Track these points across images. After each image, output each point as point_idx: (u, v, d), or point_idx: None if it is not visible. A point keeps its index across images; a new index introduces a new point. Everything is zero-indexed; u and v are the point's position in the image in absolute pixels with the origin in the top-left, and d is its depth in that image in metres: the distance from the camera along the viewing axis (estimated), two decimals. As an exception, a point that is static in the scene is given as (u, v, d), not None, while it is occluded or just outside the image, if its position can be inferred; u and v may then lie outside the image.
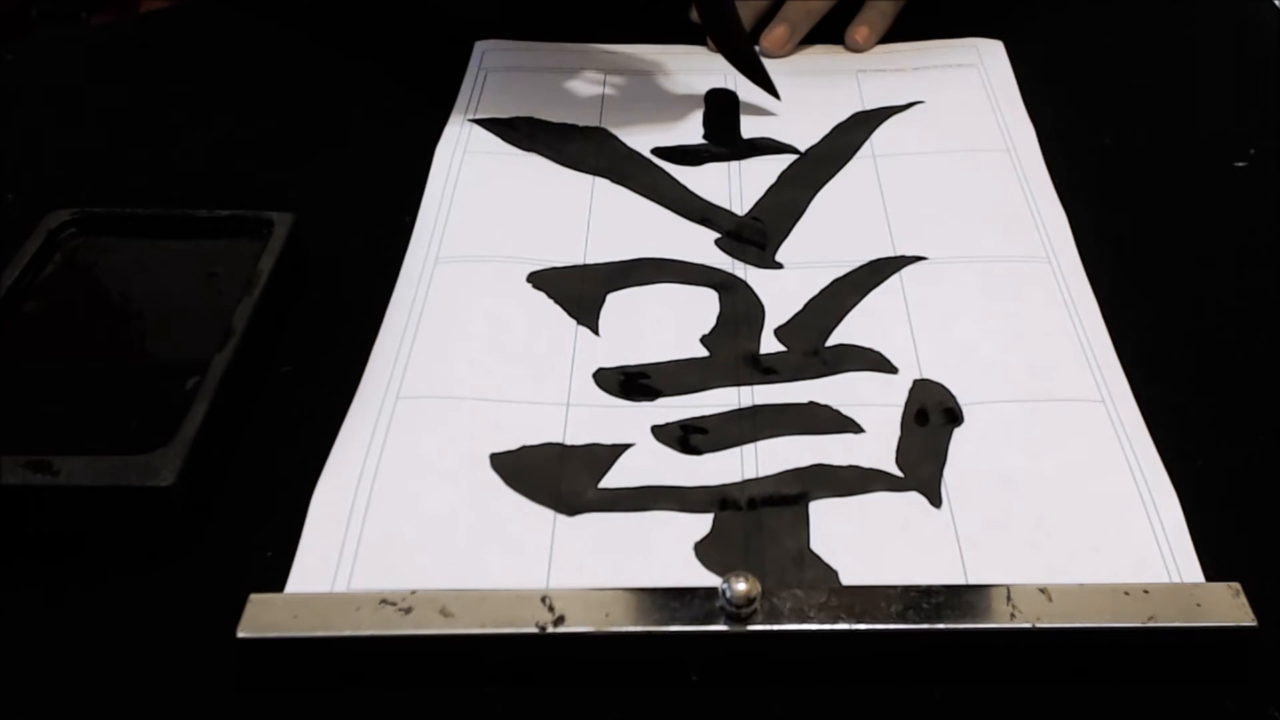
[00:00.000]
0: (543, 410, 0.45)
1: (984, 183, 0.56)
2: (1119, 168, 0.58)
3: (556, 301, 0.49)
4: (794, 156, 0.58)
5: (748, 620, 0.37)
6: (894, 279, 0.50)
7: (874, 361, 0.47)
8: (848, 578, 0.39)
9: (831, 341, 0.48)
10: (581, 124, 0.60)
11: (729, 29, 0.60)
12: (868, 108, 0.61)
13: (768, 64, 0.63)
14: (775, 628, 0.37)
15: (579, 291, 0.50)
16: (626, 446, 0.43)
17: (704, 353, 0.47)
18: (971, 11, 0.68)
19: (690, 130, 0.60)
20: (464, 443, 0.43)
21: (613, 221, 0.54)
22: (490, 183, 0.56)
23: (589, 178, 0.56)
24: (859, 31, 0.66)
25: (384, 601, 0.37)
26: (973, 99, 0.62)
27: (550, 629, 0.36)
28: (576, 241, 0.52)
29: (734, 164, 0.57)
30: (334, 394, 0.45)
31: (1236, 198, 0.56)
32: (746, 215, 0.54)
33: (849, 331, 0.48)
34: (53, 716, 0.36)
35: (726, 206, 0.55)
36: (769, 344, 0.48)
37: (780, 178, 0.57)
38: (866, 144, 0.59)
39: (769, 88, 0.61)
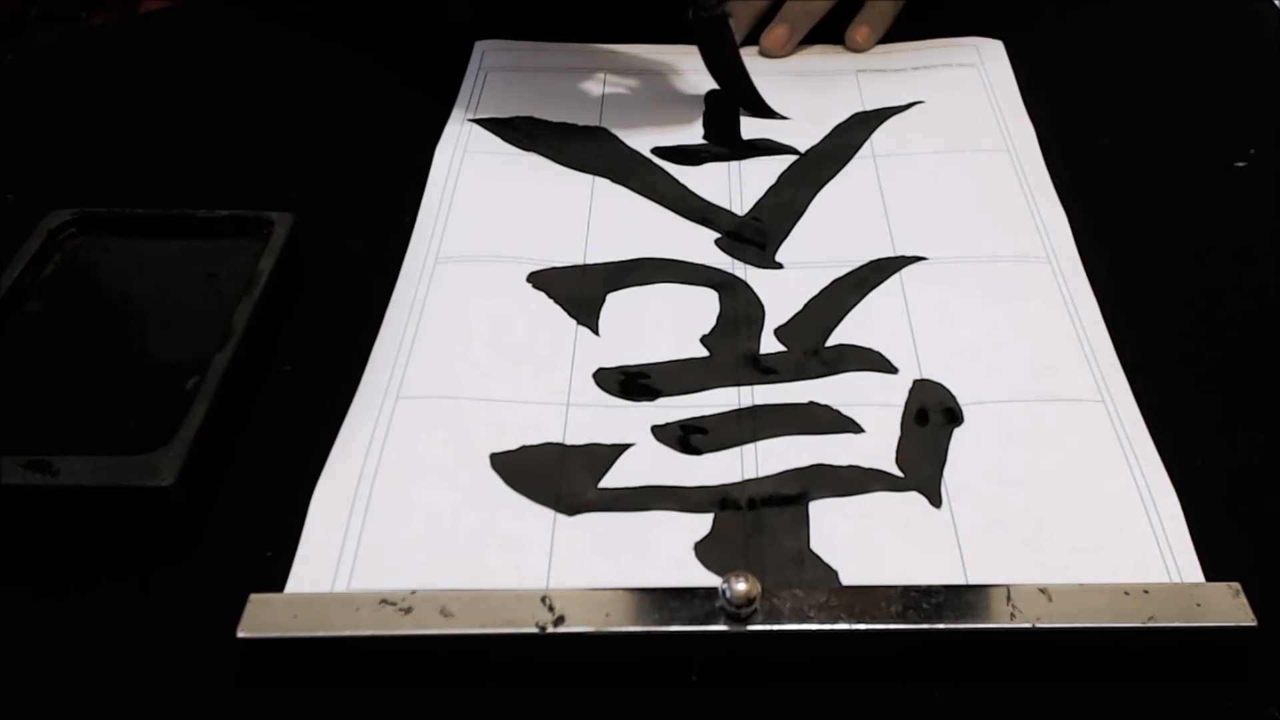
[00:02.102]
0: (543, 410, 0.45)
1: (984, 183, 0.56)
2: (1119, 168, 0.58)
3: (556, 301, 0.49)
4: (794, 157, 0.58)
5: (748, 620, 0.37)
6: (894, 279, 0.50)
7: (874, 361, 0.47)
8: (848, 578, 0.39)
9: (831, 341, 0.48)
10: (581, 124, 0.60)
11: (729, 70, 0.60)
12: (868, 108, 0.61)
13: (768, 64, 0.64)
14: (775, 628, 0.37)
15: (579, 291, 0.50)
16: (626, 446, 0.43)
17: (704, 353, 0.47)
18: (971, 11, 0.68)
19: (690, 130, 0.60)
20: (464, 443, 0.43)
21: (613, 221, 0.54)
22: (490, 183, 0.56)
23: (589, 178, 0.56)
24: (859, 31, 0.66)
25: (384, 601, 0.37)
26: (973, 99, 0.62)
27: (550, 629, 0.36)
28: (576, 241, 0.52)
29: (734, 164, 0.57)
30: (334, 394, 0.45)
31: (1236, 198, 0.56)
32: (746, 215, 0.54)
33: (849, 331, 0.48)
34: (53, 716, 0.36)
35: (726, 206, 0.55)
36: (769, 344, 0.48)
37: (780, 178, 0.57)
38: (866, 144, 0.59)
39: (770, 115, 0.61)
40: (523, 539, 0.40)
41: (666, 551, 0.40)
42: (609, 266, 0.51)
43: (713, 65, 0.61)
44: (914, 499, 0.41)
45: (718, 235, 0.53)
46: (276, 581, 0.38)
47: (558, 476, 0.42)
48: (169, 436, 0.40)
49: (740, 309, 0.49)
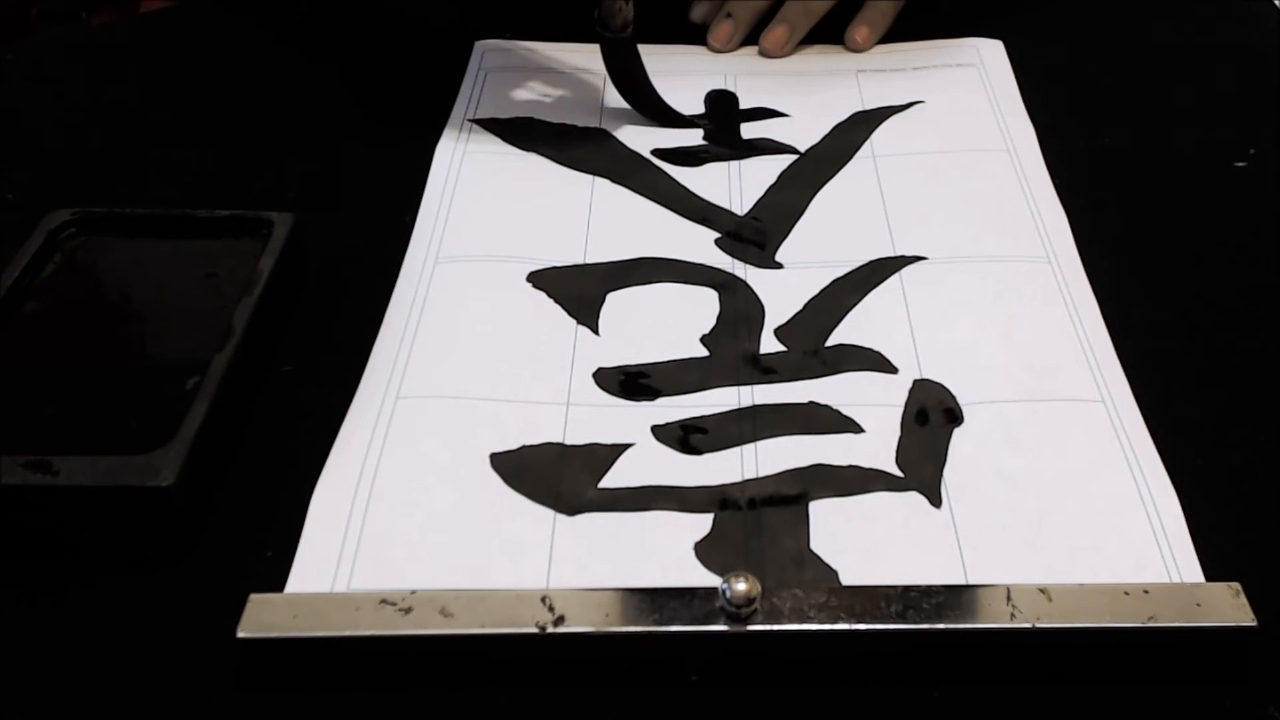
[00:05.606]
0: (543, 410, 0.45)
1: (984, 183, 0.56)
2: (1119, 168, 0.58)
3: (556, 301, 0.49)
4: (794, 157, 0.58)
5: (748, 620, 0.37)
6: (894, 279, 0.50)
7: (874, 361, 0.47)
8: (848, 578, 0.39)
9: (831, 341, 0.48)
10: (581, 124, 0.60)
11: (637, 88, 0.60)
12: (868, 108, 0.61)
13: (768, 64, 0.64)
14: (775, 628, 0.37)
15: (579, 291, 0.50)
16: (626, 446, 0.43)
17: (704, 353, 0.47)
18: (971, 11, 0.68)
19: (690, 130, 0.60)
20: (464, 443, 0.43)
21: (613, 221, 0.54)
22: (490, 183, 0.56)
23: (589, 178, 0.56)
24: (859, 31, 0.66)
25: (384, 601, 0.37)
26: (973, 99, 0.62)
27: (550, 629, 0.36)
28: (576, 241, 0.52)
29: (734, 164, 0.57)
30: (334, 394, 0.45)
31: (1236, 198, 0.56)
32: (746, 215, 0.54)
33: (849, 331, 0.48)
34: (53, 716, 0.36)
35: (726, 206, 0.55)
36: (769, 344, 0.48)
37: (780, 178, 0.57)
38: (866, 144, 0.59)
39: (684, 123, 0.60)
40: (523, 539, 0.40)
41: (666, 551, 0.40)
42: (609, 266, 0.51)
43: (620, 83, 0.60)
44: (914, 499, 0.41)
45: (718, 235, 0.53)
46: (276, 581, 0.38)
47: (558, 476, 0.42)
48: (169, 436, 0.40)
49: (740, 309, 0.49)
